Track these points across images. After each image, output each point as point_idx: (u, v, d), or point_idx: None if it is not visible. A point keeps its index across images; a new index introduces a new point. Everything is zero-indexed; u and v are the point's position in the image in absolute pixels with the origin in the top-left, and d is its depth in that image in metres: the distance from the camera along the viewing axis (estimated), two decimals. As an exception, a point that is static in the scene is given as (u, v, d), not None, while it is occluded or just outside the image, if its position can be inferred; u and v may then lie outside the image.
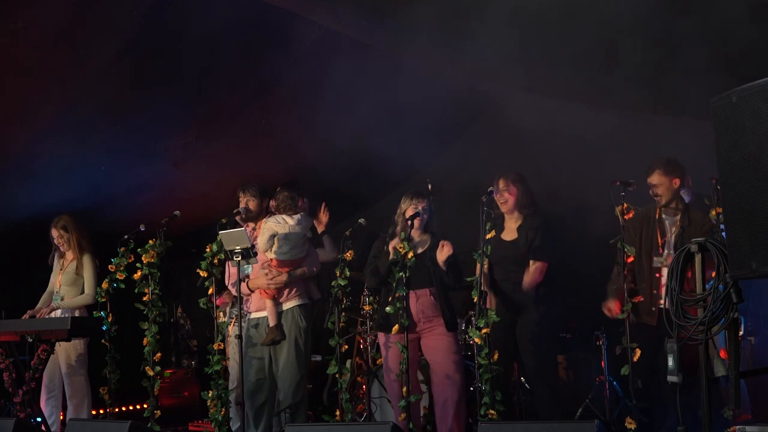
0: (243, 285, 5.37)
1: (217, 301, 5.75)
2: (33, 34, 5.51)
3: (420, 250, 5.40)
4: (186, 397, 7.90)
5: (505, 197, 5.48)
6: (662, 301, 5.04)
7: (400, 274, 5.09)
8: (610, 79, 5.53)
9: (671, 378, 3.63)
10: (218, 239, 5.40)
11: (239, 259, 5.15)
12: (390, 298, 5.27)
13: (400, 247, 5.13)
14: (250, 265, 5.43)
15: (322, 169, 7.17)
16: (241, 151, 7.29)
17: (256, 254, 5.26)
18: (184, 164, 7.22)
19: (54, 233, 6.32)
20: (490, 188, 5.32)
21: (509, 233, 5.56)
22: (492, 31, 4.94)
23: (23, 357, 5.77)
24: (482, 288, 4.98)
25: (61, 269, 6.35)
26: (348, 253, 5.43)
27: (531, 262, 5.43)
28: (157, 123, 6.55)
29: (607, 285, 5.42)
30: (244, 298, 5.45)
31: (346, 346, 5.96)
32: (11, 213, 6.96)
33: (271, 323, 5.41)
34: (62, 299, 6.25)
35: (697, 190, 5.51)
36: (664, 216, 5.34)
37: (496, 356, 4.93)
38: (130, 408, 7.63)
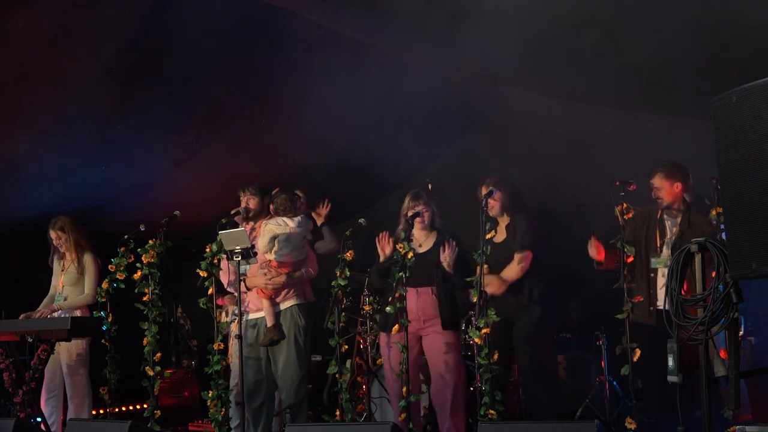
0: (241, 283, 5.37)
1: (218, 301, 5.75)
2: (33, 33, 5.51)
3: (424, 249, 5.41)
4: (186, 397, 7.89)
5: (491, 203, 5.47)
6: (660, 302, 5.05)
7: (400, 274, 5.10)
8: (611, 79, 5.53)
9: (671, 378, 3.62)
10: (218, 239, 5.40)
11: (239, 259, 5.16)
12: (390, 298, 5.27)
13: (400, 247, 5.13)
14: (248, 265, 5.44)
15: (322, 169, 7.17)
16: (241, 151, 7.29)
17: (255, 254, 5.27)
18: (184, 164, 7.21)
19: (52, 234, 6.30)
20: (491, 188, 5.33)
21: (500, 235, 5.64)
22: (492, 31, 4.94)
23: (23, 357, 5.76)
24: (482, 288, 4.99)
25: (62, 270, 6.33)
26: (348, 253, 5.43)
27: (515, 254, 5.46)
28: (157, 123, 6.54)
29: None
30: (244, 297, 5.45)
31: (346, 346, 5.95)
32: (11, 213, 6.95)
33: (269, 323, 5.42)
34: (65, 299, 6.24)
35: (697, 190, 5.50)
36: (665, 217, 5.35)
37: (496, 356, 4.93)
38: (130, 408, 7.62)
